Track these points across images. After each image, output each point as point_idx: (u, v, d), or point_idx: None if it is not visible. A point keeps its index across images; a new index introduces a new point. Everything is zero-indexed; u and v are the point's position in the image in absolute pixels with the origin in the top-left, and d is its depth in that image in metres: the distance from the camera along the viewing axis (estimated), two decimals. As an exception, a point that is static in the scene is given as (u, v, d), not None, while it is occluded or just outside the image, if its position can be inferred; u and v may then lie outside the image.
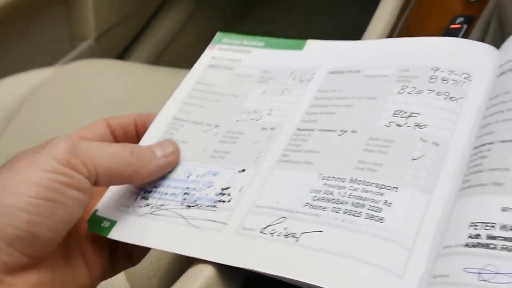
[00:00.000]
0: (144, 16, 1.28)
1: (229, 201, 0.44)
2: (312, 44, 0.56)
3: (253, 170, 0.46)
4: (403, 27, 0.60)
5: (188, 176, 0.48)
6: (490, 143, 0.41)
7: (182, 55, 1.24)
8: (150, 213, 0.46)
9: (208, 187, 0.46)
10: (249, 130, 0.50)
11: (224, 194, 0.45)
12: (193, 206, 0.45)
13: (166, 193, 0.47)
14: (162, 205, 0.46)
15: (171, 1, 1.22)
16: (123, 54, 1.31)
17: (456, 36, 0.49)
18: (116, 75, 0.93)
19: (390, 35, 0.59)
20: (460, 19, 0.55)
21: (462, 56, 0.48)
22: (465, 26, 0.54)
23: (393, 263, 0.37)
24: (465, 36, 0.54)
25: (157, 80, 0.90)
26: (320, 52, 0.55)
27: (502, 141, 0.40)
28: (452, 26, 0.55)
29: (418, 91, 0.46)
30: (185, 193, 0.46)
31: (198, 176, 0.47)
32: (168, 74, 0.91)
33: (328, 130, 0.46)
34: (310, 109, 0.50)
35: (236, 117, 0.51)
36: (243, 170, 0.46)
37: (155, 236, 0.44)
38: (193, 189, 0.46)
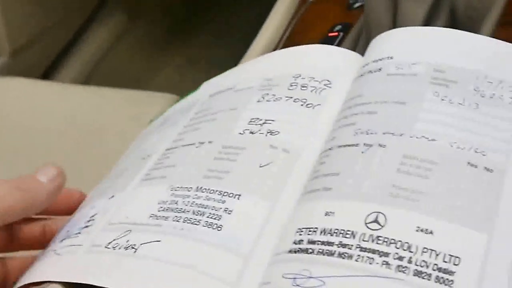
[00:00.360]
0: (69, 30, 1.19)
1: (91, 225, 0.44)
2: None
3: (119, 194, 0.46)
4: (288, 37, 0.60)
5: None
6: (330, 149, 0.41)
7: (116, 71, 1.20)
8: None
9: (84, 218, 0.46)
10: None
11: (90, 220, 0.45)
12: (65, 239, 0.45)
13: None
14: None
15: (100, 15, 1.16)
16: (48, 72, 1.21)
17: (333, 44, 0.49)
18: (35, 95, 0.85)
19: (277, 46, 0.59)
20: (339, 27, 0.56)
21: (324, 63, 0.49)
22: (341, 33, 0.55)
23: (227, 272, 0.37)
24: (340, 43, 0.54)
25: (86, 100, 0.83)
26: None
27: (339, 146, 0.40)
28: (331, 34, 0.56)
29: (276, 99, 0.46)
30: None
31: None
32: (100, 94, 0.84)
33: (188, 145, 0.47)
34: (182, 129, 0.50)
35: None
36: (112, 196, 0.47)
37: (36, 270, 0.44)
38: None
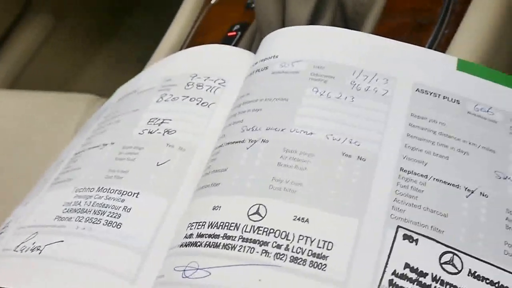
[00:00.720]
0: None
1: (4, 232, 0.46)
2: None
3: (32, 199, 0.48)
4: (193, 37, 0.61)
5: None
6: (220, 146, 0.43)
7: (44, 74, 1.17)
8: None
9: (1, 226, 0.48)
10: None
11: (4, 227, 0.47)
12: None
13: None
14: None
15: (26, 18, 1.13)
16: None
17: (231, 43, 0.51)
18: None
19: (182, 46, 0.61)
20: (237, 27, 0.57)
21: (219, 62, 0.50)
22: (239, 33, 0.56)
23: (126, 268, 0.39)
24: (237, 42, 0.56)
25: (10, 105, 0.78)
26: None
27: (228, 143, 0.42)
28: (230, 33, 0.58)
29: (173, 98, 0.48)
30: None
31: None
32: (29, 99, 0.79)
33: (93, 147, 0.48)
34: (91, 133, 0.52)
35: None
36: (27, 203, 0.48)
37: None
38: None
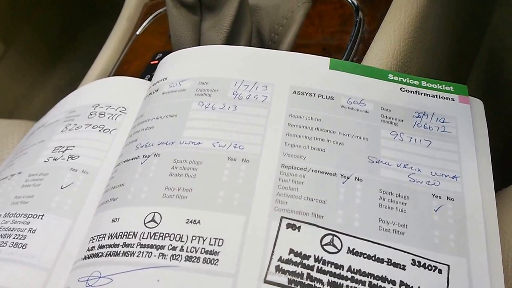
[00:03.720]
0: None
1: None
2: None
3: None
4: (119, 66, 0.60)
5: None
6: (118, 165, 0.41)
7: None
8: None
9: None
10: None
11: None
12: None
13: None
14: None
15: None
16: None
17: (153, 71, 0.49)
18: None
19: (110, 75, 0.59)
20: (159, 55, 0.57)
21: (120, 92, 0.49)
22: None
23: (31, 286, 0.37)
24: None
25: None
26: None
27: (124, 161, 0.41)
28: (152, 62, 0.57)
29: (77, 127, 0.46)
30: None
31: None
32: None
33: (2, 179, 0.46)
34: (2, 168, 0.49)
35: None
36: None
37: None
38: None
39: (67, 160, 0.43)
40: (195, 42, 0.50)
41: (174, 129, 0.40)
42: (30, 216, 0.40)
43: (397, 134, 0.40)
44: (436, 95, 0.42)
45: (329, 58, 0.43)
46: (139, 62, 0.59)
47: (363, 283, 0.33)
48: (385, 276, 0.33)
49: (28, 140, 0.49)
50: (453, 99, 0.42)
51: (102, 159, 0.43)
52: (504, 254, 0.35)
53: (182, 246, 0.34)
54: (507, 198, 0.39)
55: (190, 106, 0.41)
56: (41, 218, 0.40)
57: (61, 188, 0.42)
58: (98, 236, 0.37)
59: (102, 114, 0.47)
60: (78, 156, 0.44)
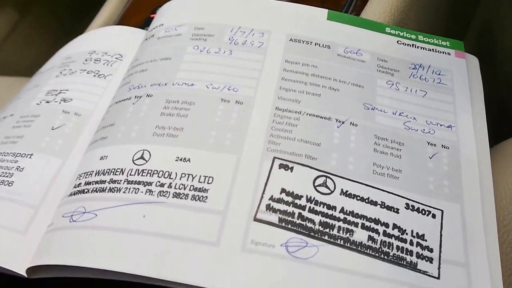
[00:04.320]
0: None
1: None
2: None
3: None
4: (120, 20, 0.58)
5: None
6: (110, 106, 0.40)
7: (11, 62, 1.08)
8: None
9: None
10: None
11: None
12: None
13: None
14: None
15: None
16: None
17: (150, 23, 0.47)
18: None
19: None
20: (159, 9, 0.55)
21: (117, 40, 0.47)
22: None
23: (16, 222, 0.35)
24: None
25: None
26: None
27: (116, 102, 0.40)
28: (152, 15, 0.55)
29: (72, 72, 0.44)
30: None
31: None
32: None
33: None
34: None
35: None
36: None
37: None
38: None
39: (60, 102, 0.42)
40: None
41: (168, 71, 0.39)
42: (18, 155, 0.38)
43: (393, 84, 0.38)
44: (433, 49, 0.41)
45: (327, 10, 0.42)
46: (141, 17, 0.57)
47: (356, 224, 0.31)
48: (378, 219, 0.32)
49: (23, 88, 0.48)
50: (449, 53, 0.41)
51: (96, 103, 0.42)
52: (496, 207, 0.34)
53: (170, 183, 0.33)
54: (498, 154, 0.38)
55: (185, 50, 0.40)
56: (30, 157, 0.38)
57: (52, 129, 0.40)
58: (85, 173, 0.35)
59: (97, 60, 0.45)
60: (71, 99, 0.42)
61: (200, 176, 0.33)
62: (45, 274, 0.33)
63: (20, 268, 0.33)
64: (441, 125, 0.36)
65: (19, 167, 0.38)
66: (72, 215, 0.33)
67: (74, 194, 0.34)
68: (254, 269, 0.30)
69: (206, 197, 0.32)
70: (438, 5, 0.53)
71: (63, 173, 0.37)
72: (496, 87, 0.46)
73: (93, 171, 0.35)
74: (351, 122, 0.36)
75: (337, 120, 0.36)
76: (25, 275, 0.33)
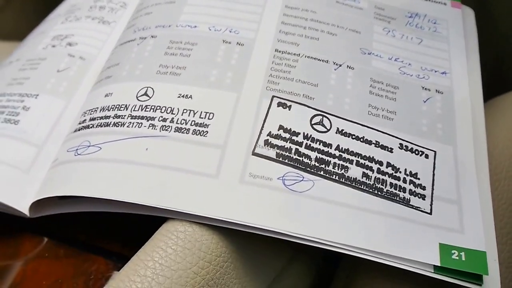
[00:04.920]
0: None
1: None
2: None
3: None
4: None
5: None
6: (115, 48, 0.40)
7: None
8: None
9: None
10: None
11: None
12: None
13: None
14: None
15: None
16: None
17: None
18: None
19: None
20: None
21: None
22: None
23: (20, 159, 0.35)
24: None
25: None
26: None
27: (121, 44, 0.40)
28: None
29: (77, 19, 0.44)
30: None
31: None
32: None
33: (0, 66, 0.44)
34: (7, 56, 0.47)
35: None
36: None
37: None
38: None
39: (65, 46, 0.42)
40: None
41: (172, 14, 0.39)
42: (24, 95, 0.39)
43: (389, 31, 0.38)
44: None
45: None
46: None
47: (351, 161, 0.32)
48: (373, 157, 0.32)
49: (29, 35, 0.48)
50: (445, 4, 0.41)
51: (100, 48, 0.42)
52: (489, 157, 0.34)
53: (172, 118, 0.33)
54: (491, 107, 0.38)
55: None
56: (36, 98, 0.38)
57: (57, 71, 0.40)
58: (90, 110, 0.36)
59: (102, 8, 0.45)
60: (77, 44, 0.42)
61: (201, 112, 0.33)
62: (47, 211, 0.34)
63: (22, 207, 0.33)
64: (435, 71, 0.37)
65: (25, 106, 0.38)
66: (77, 149, 0.33)
67: (79, 130, 0.35)
68: (251, 200, 0.30)
69: (207, 131, 0.32)
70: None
71: (67, 114, 0.37)
72: (494, 42, 0.46)
73: (98, 108, 0.35)
74: (348, 65, 0.36)
75: (334, 63, 0.36)
76: (27, 214, 0.33)
